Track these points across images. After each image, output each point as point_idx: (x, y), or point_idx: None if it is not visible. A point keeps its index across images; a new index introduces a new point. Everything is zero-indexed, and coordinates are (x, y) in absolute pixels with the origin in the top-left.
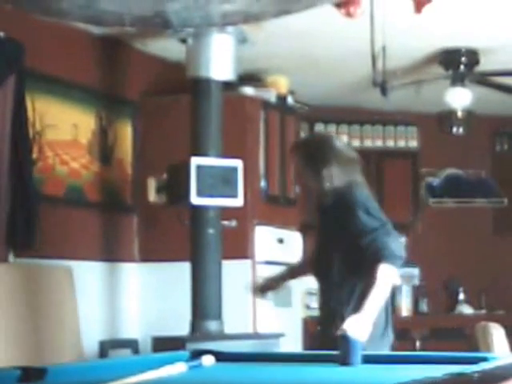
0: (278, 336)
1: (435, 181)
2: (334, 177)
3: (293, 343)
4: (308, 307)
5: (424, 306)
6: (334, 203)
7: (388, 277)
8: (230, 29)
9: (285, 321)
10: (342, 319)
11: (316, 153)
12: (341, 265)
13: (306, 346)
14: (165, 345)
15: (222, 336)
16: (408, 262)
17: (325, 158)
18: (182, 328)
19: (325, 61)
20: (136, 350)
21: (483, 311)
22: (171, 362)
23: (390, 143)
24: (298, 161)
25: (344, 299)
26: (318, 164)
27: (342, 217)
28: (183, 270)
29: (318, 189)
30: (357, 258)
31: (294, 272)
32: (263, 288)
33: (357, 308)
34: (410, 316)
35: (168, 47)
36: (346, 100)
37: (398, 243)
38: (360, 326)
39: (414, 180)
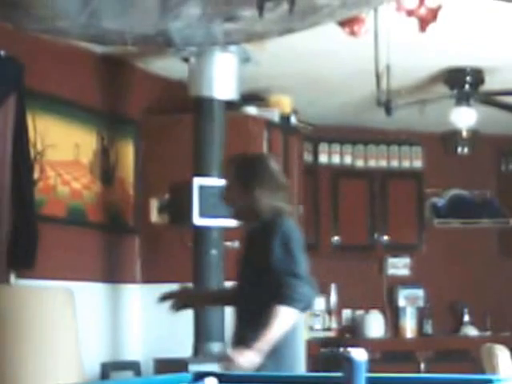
0: None
1: (440, 201)
2: (264, 199)
3: None
4: (312, 329)
5: (429, 328)
6: (259, 228)
7: (283, 320)
8: (232, 48)
9: None
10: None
11: (252, 171)
12: (250, 292)
13: (310, 368)
14: (167, 367)
15: (225, 358)
16: (412, 283)
17: (259, 177)
18: (185, 350)
19: (328, 80)
20: (138, 372)
21: (488, 333)
22: None
23: (395, 163)
24: (232, 175)
25: (249, 329)
26: (252, 183)
27: (262, 244)
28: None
29: (246, 208)
30: (262, 291)
31: (224, 296)
32: (180, 305)
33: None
34: (414, 337)
35: (170, 66)
36: (349, 119)
37: (307, 288)
38: (243, 359)
39: (418, 200)
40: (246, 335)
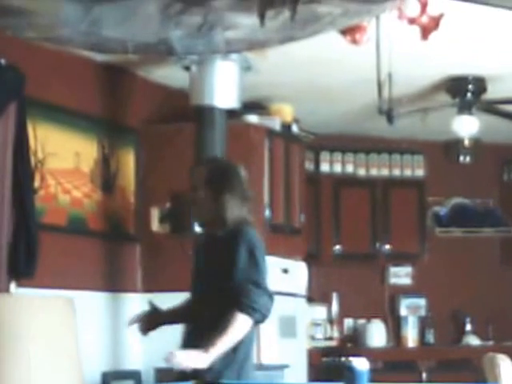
0: (282, 367)
1: (442, 210)
2: (233, 207)
3: (297, 374)
4: (313, 338)
5: (430, 337)
6: (222, 236)
7: (239, 327)
8: (234, 56)
9: (289, 352)
10: None
11: (225, 177)
12: (210, 299)
13: (311, 378)
14: (168, 376)
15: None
16: (414, 292)
17: (230, 185)
18: None
19: (330, 88)
20: (139, 382)
21: (490, 342)
22: None
23: (396, 172)
24: (203, 178)
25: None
26: (223, 189)
27: (226, 252)
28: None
29: (213, 214)
30: (223, 299)
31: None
32: (148, 327)
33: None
34: (416, 347)
35: (171, 75)
36: (351, 128)
37: (266, 299)
38: (190, 359)
39: (420, 209)
40: (202, 342)
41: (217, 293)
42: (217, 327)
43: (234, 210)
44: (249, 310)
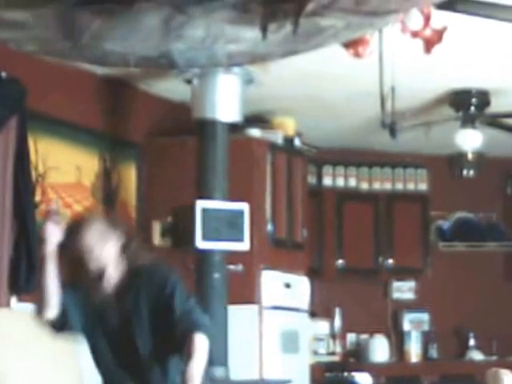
0: (284, 382)
1: (445, 224)
2: (138, 252)
3: None
4: (316, 353)
5: (434, 352)
6: (143, 281)
7: (205, 347)
8: (236, 69)
9: (292, 367)
10: None
11: (118, 227)
12: (149, 345)
13: None
14: None
15: (228, 383)
16: (418, 307)
17: (127, 232)
18: None
19: (333, 102)
20: None
21: (494, 357)
22: None
23: (400, 186)
24: (97, 235)
25: (159, 378)
26: (122, 238)
27: (156, 293)
28: None
29: (120, 265)
30: (167, 334)
31: None
32: None
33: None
34: (419, 362)
35: (173, 88)
36: (354, 142)
37: (204, 316)
38: None
39: (423, 223)
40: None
41: (163, 335)
42: (158, 366)
43: (140, 256)
44: (207, 330)
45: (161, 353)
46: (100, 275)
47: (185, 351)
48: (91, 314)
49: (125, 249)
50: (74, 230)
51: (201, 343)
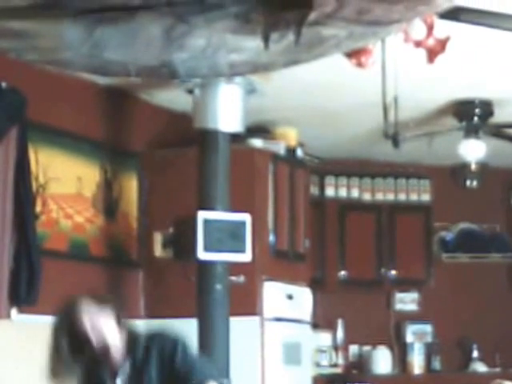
0: None
1: (448, 235)
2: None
3: None
4: (318, 365)
5: (437, 364)
6: (150, 352)
7: None
8: (238, 79)
9: (294, 379)
10: None
11: (118, 304)
12: None
13: None
14: None
15: None
16: (420, 319)
17: (117, 303)
18: None
19: (335, 112)
20: None
21: (497, 369)
22: None
23: (402, 196)
24: (105, 318)
25: None
26: (115, 311)
27: (167, 361)
28: (190, 326)
29: (123, 341)
30: None
31: None
32: None
33: None
34: (422, 374)
35: (174, 98)
36: (356, 152)
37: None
38: None
39: (426, 234)
40: None
41: None
42: None
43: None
44: (218, 379)
45: None
46: (105, 352)
47: None
48: None
49: (120, 319)
50: (68, 316)
51: None
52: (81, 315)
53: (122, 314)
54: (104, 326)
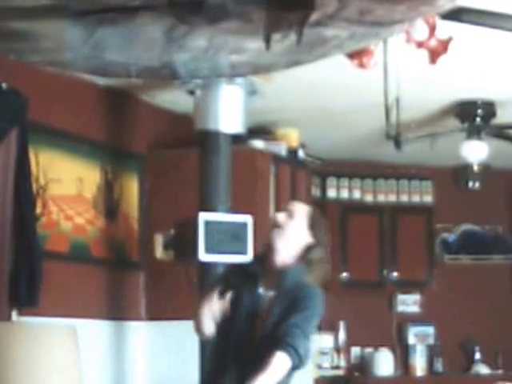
0: None
1: (451, 237)
2: (316, 261)
3: None
4: (320, 367)
5: (439, 366)
6: (291, 286)
7: (278, 368)
8: (239, 80)
9: (296, 381)
10: None
11: (319, 230)
12: (261, 342)
13: None
14: None
15: None
16: (423, 321)
17: (320, 240)
18: None
19: (337, 113)
20: None
21: (500, 371)
22: None
23: (404, 198)
24: (305, 219)
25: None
26: (321, 236)
27: (293, 302)
28: (191, 328)
29: (292, 259)
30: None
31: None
32: None
33: None
34: (424, 376)
35: (175, 99)
36: (358, 153)
37: (308, 348)
38: None
39: (428, 236)
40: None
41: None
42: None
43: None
44: (291, 350)
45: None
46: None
47: (262, 362)
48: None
49: (308, 249)
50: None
51: (278, 363)
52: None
53: (312, 249)
54: (294, 231)
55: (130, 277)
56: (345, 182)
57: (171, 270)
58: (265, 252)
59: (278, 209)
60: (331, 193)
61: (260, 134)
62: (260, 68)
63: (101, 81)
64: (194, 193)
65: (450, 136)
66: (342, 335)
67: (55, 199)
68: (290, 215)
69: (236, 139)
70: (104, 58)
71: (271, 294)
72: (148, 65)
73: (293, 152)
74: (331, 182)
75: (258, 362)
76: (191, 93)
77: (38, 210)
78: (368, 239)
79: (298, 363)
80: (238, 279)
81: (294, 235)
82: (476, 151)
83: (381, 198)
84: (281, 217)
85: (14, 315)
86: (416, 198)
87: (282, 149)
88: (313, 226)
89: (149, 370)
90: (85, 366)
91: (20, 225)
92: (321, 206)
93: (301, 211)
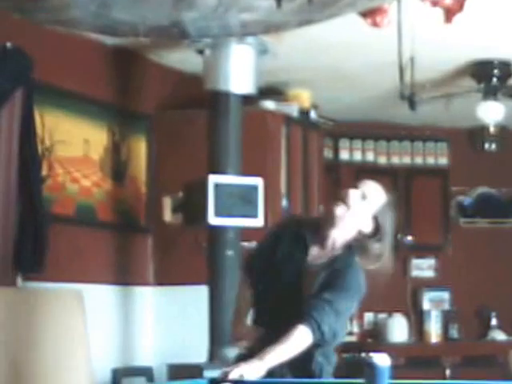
0: None
1: (466, 200)
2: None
3: None
4: None
5: (455, 332)
6: (337, 264)
7: (299, 340)
8: (249, 39)
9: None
10: None
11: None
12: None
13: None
14: (181, 373)
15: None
16: (438, 286)
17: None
18: (199, 355)
19: (350, 73)
20: (151, 379)
21: None
22: None
23: (419, 160)
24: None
25: None
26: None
27: (333, 278)
28: (200, 293)
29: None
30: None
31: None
32: None
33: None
34: (439, 342)
35: (184, 59)
36: (372, 114)
37: (334, 325)
38: (251, 371)
39: (443, 199)
40: None
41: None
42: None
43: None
44: (314, 325)
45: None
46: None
47: (285, 332)
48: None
49: (367, 238)
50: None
51: (300, 337)
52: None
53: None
54: (359, 216)
55: (138, 241)
56: (358, 143)
57: (180, 234)
58: (322, 223)
59: (289, 171)
60: (344, 155)
61: (271, 95)
62: (271, 27)
63: (108, 40)
64: (203, 155)
65: (465, 97)
66: None
67: (61, 161)
68: (363, 197)
69: (247, 100)
70: (111, 17)
71: (316, 266)
72: (156, 24)
73: (305, 113)
74: (344, 143)
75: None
76: (200, 52)
77: (44, 172)
78: None
79: (319, 339)
80: (289, 238)
81: (358, 220)
82: (492, 112)
83: (395, 160)
84: (354, 195)
85: (19, 280)
86: (431, 160)
87: (293, 110)
88: (382, 214)
89: (156, 335)
90: (92, 331)
91: (25, 187)
92: (333, 169)
93: (374, 195)
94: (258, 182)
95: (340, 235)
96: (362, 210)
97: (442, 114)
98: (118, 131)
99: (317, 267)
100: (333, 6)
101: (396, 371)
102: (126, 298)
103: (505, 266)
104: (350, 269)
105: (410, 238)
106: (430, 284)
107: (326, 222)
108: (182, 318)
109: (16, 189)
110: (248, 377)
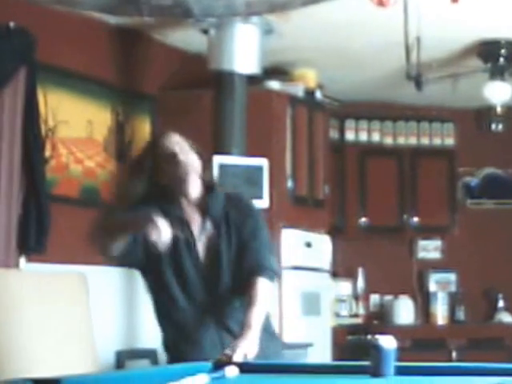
0: (305, 346)
1: (473, 181)
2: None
3: (321, 353)
4: (338, 315)
5: (461, 314)
6: (226, 207)
7: (267, 293)
8: (254, 19)
9: (313, 330)
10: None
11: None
12: (228, 276)
13: (336, 357)
14: None
15: None
16: (444, 267)
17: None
18: None
19: (356, 53)
20: (155, 361)
21: None
22: (193, 373)
23: (425, 141)
24: (179, 145)
25: (230, 313)
26: (200, 158)
27: (239, 221)
28: None
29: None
30: (241, 268)
31: None
32: None
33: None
34: (445, 324)
35: (189, 38)
36: (378, 95)
37: (271, 252)
38: (250, 346)
39: (450, 180)
40: (229, 317)
41: (233, 264)
42: (231, 300)
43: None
44: (269, 272)
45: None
46: (180, 188)
47: (246, 296)
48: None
49: (204, 169)
50: (156, 142)
51: (263, 289)
52: (171, 140)
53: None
54: (189, 157)
55: None
56: (364, 124)
57: None
58: (173, 187)
59: (294, 152)
60: (350, 135)
61: (276, 75)
62: (276, 6)
63: (111, 19)
64: (207, 135)
65: (472, 77)
66: (360, 282)
67: (65, 142)
68: (178, 143)
69: (251, 80)
70: None
71: (207, 232)
72: (160, 3)
73: (310, 93)
74: (350, 124)
75: (232, 302)
76: (205, 32)
77: (47, 153)
78: (387, 183)
79: (278, 278)
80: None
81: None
82: (499, 92)
83: (401, 140)
84: (177, 148)
85: (22, 262)
86: (437, 141)
87: (299, 90)
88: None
89: None
90: (96, 314)
91: (28, 168)
92: (339, 149)
93: (180, 139)
94: (262, 162)
95: (195, 183)
96: (180, 149)
97: (449, 94)
98: (122, 111)
99: (206, 232)
100: None
101: (402, 353)
102: (130, 280)
103: None
104: (229, 202)
105: (416, 219)
106: (437, 266)
107: (178, 179)
108: None
109: (19, 169)
110: (251, 352)
